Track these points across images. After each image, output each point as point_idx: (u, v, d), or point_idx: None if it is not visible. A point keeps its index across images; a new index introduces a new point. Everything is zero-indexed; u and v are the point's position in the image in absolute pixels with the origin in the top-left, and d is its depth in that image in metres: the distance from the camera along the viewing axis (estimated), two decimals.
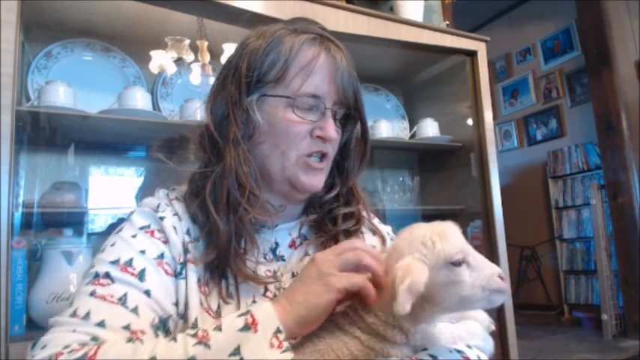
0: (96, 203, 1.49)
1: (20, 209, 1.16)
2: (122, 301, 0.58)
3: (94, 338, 0.54)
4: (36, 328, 1.15)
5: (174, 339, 0.53)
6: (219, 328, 0.53)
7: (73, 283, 1.20)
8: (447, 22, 2.05)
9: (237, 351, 0.51)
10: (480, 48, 1.84)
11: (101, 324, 0.55)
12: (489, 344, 0.63)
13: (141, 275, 0.61)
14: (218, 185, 0.67)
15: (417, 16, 1.85)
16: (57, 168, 1.44)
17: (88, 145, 1.50)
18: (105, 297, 0.58)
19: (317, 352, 0.55)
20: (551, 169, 4.46)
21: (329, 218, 0.76)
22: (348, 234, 0.76)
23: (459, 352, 0.59)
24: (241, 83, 0.68)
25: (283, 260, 0.73)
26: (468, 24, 4.35)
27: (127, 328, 0.57)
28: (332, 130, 0.69)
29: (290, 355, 0.52)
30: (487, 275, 0.54)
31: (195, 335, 0.53)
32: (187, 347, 0.51)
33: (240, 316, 0.54)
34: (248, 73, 0.68)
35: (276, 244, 0.74)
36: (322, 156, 0.71)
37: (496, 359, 1.66)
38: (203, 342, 0.51)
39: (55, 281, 1.19)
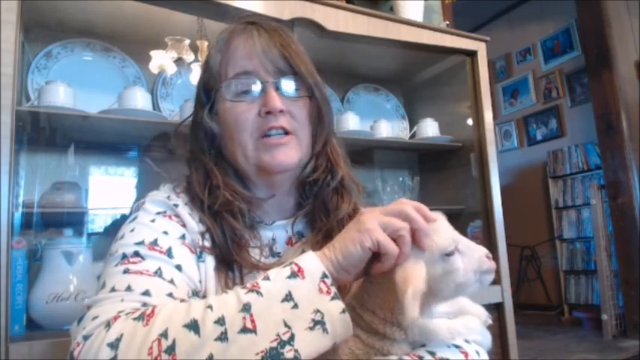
0: (96, 203, 1.49)
1: (20, 209, 1.16)
2: (158, 274, 0.58)
3: (145, 304, 0.54)
4: (36, 328, 1.15)
5: (225, 292, 0.54)
6: (267, 278, 0.54)
7: (73, 283, 1.20)
8: (447, 22, 2.05)
9: (289, 297, 0.52)
10: (480, 48, 1.84)
11: (146, 293, 0.56)
12: (487, 339, 0.63)
13: (169, 252, 0.62)
14: (197, 192, 0.70)
15: (417, 16, 1.85)
16: (57, 168, 1.44)
17: (88, 145, 1.50)
18: (141, 272, 0.58)
19: None
20: (551, 169, 4.46)
21: (322, 208, 0.75)
22: (343, 225, 0.75)
23: (457, 347, 0.59)
24: (197, 102, 0.74)
25: (279, 257, 0.74)
26: (468, 24, 4.35)
27: (170, 295, 0.57)
28: (274, 100, 0.68)
29: (339, 303, 0.53)
30: (477, 258, 0.56)
31: (244, 287, 0.53)
32: (240, 296, 0.52)
33: (285, 266, 0.55)
34: (201, 88, 0.74)
35: (273, 240, 0.75)
36: (285, 132, 0.70)
37: (496, 359, 1.66)
38: (255, 290, 0.52)
39: (55, 281, 1.18)
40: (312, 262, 0.55)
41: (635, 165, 3.34)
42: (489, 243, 1.75)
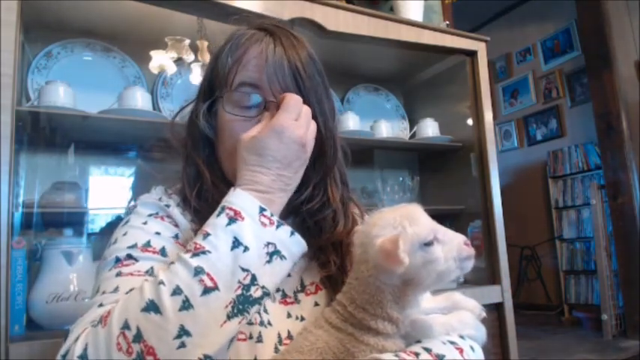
0: (96, 203, 1.49)
1: (20, 209, 1.16)
2: (149, 272, 0.58)
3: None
4: (36, 328, 1.15)
5: (172, 263, 0.53)
6: (207, 234, 0.53)
7: (73, 283, 1.20)
8: (447, 22, 2.05)
9: (236, 242, 0.52)
10: (480, 48, 1.84)
11: (130, 292, 0.54)
12: (482, 332, 0.63)
13: (162, 252, 0.61)
14: (187, 193, 0.69)
15: (417, 16, 1.85)
16: (57, 168, 1.44)
17: (88, 145, 1.50)
18: (132, 273, 0.57)
19: (315, 350, 0.56)
20: (551, 169, 4.46)
21: (314, 227, 0.72)
22: (340, 246, 0.71)
23: (452, 343, 0.59)
24: (198, 97, 0.72)
25: None
26: (468, 24, 4.35)
27: None
28: None
29: (286, 228, 0.56)
30: (455, 246, 0.56)
31: (186, 252, 0.53)
32: (187, 262, 0.51)
33: (218, 214, 0.55)
34: (203, 83, 0.72)
35: None
36: None
37: (496, 359, 1.66)
38: (200, 252, 0.52)
39: (55, 281, 1.19)
40: (245, 199, 0.55)
41: (635, 165, 3.34)
42: (489, 243, 1.75)
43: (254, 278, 0.52)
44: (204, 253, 0.51)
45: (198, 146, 0.70)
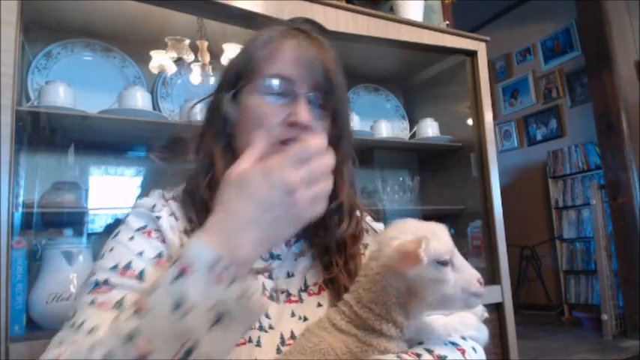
0: (96, 203, 1.49)
1: (20, 209, 1.16)
2: (118, 304, 0.58)
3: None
4: (36, 328, 1.15)
5: (117, 316, 0.50)
6: (152, 290, 0.48)
7: (73, 283, 1.20)
8: (447, 22, 2.05)
9: (180, 302, 0.45)
10: (480, 48, 1.84)
11: (94, 329, 0.54)
12: (484, 334, 0.64)
13: (140, 276, 0.61)
14: (198, 184, 0.69)
15: (417, 16, 1.85)
16: (57, 168, 1.44)
17: (88, 145, 1.50)
18: (103, 304, 0.58)
19: (318, 352, 0.56)
20: (551, 169, 4.46)
21: (321, 224, 0.71)
22: (345, 245, 0.72)
23: (453, 344, 0.59)
24: (222, 85, 0.72)
25: (279, 259, 0.72)
26: (468, 24, 4.35)
27: None
28: (304, 113, 0.65)
29: (238, 285, 0.47)
30: (468, 278, 0.57)
31: (133, 305, 0.49)
32: (128, 321, 0.47)
33: (172, 265, 0.48)
34: (228, 73, 0.72)
35: None
36: None
37: (496, 359, 1.66)
38: (142, 310, 0.47)
39: (55, 281, 1.19)
40: (201, 248, 0.48)
41: (635, 165, 3.34)
42: (489, 243, 1.75)
43: (195, 344, 0.45)
44: (144, 312, 0.47)
45: (216, 134, 0.70)
